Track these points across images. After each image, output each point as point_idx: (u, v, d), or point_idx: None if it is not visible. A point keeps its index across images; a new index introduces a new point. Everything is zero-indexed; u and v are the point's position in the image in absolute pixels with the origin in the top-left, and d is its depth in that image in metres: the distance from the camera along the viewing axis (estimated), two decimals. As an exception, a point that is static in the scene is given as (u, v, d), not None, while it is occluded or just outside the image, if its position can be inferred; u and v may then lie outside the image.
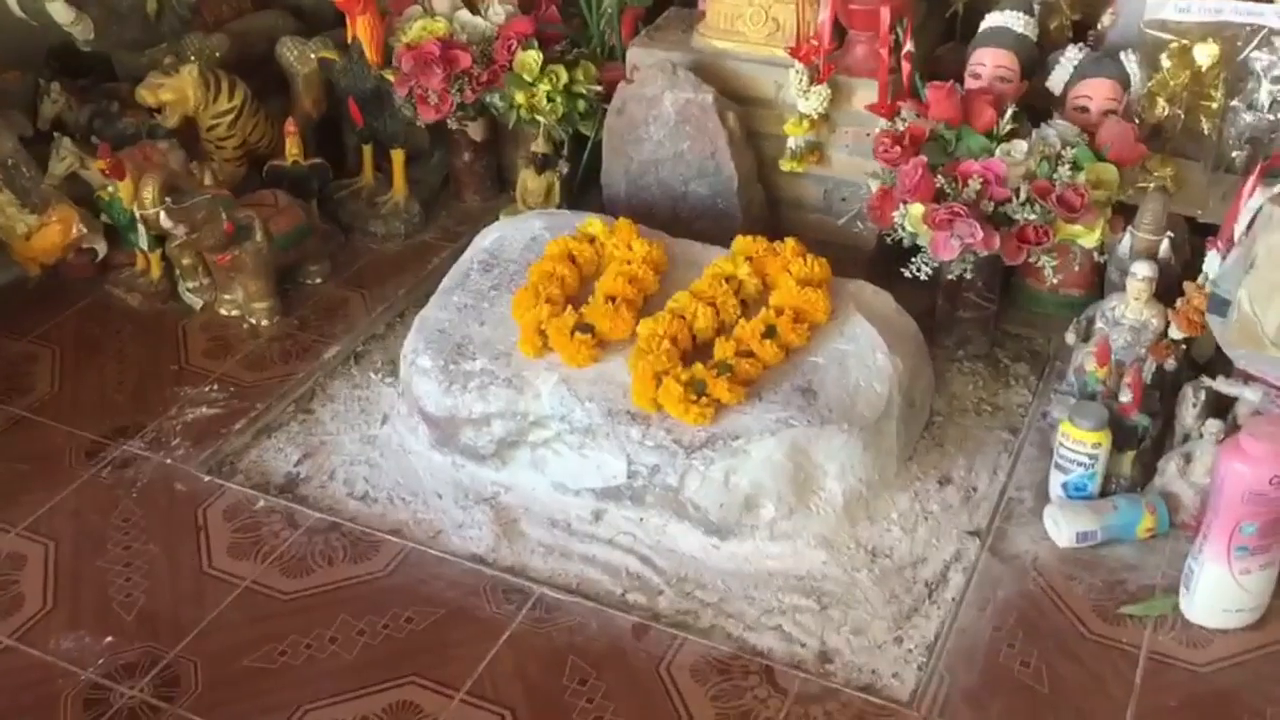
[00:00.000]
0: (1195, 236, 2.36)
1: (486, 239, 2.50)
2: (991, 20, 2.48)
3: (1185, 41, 2.32)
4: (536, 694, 1.84)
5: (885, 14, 2.42)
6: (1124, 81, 2.38)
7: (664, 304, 2.22)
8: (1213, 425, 2.04)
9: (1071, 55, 2.44)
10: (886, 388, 2.16)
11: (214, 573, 2.05)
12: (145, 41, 2.95)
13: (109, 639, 1.93)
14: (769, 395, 2.10)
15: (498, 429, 2.20)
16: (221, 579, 2.04)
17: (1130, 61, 2.37)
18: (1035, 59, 2.47)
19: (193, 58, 2.91)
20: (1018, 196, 2.19)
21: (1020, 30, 2.45)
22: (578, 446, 2.15)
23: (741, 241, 2.32)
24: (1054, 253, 2.24)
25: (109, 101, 2.90)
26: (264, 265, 2.61)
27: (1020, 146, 2.23)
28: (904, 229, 2.25)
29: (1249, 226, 2.02)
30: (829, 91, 2.51)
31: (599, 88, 2.73)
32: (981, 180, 2.18)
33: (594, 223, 2.39)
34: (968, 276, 2.28)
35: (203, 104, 2.81)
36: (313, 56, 2.96)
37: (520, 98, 2.69)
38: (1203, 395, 2.09)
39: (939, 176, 2.21)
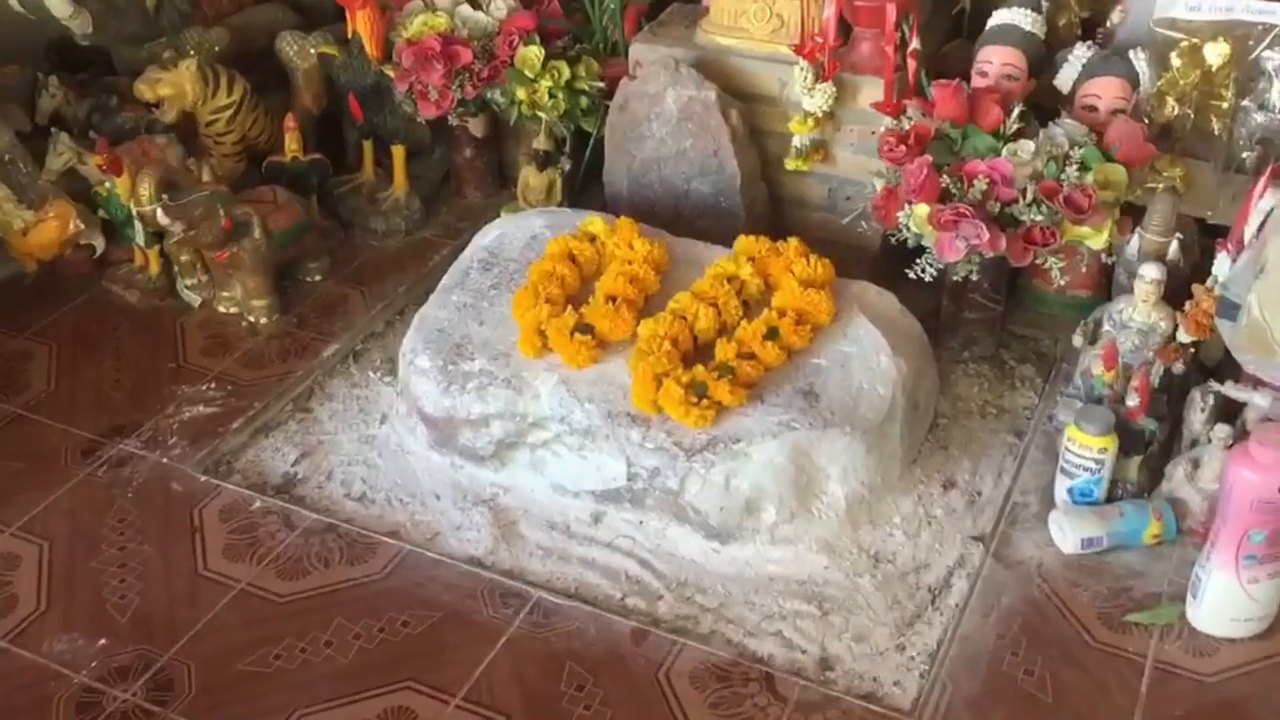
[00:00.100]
0: (1205, 238, 2.33)
1: (487, 237, 2.48)
2: (999, 17, 2.45)
3: (1196, 40, 2.29)
4: (534, 700, 1.82)
5: (891, 11, 2.39)
6: (1133, 80, 2.35)
7: (665, 304, 2.19)
8: (1221, 430, 2.01)
9: (1080, 53, 2.40)
10: (890, 390, 2.13)
11: (209, 574, 2.03)
12: (144, 35, 2.93)
13: (102, 641, 1.91)
14: (770, 397, 2.08)
15: (497, 430, 2.17)
16: (217, 581, 2.02)
17: (1139, 60, 2.34)
18: (1043, 57, 2.44)
19: (192, 52, 2.88)
20: (1024, 197, 2.16)
21: (1028, 28, 2.42)
22: (577, 448, 2.12)
23: (744, 241, 2.29)
24: (1061, 254, 2.21)
25: (107, 96, 2.87)
26: (262, 262, 2.58)
27: (1027, 146, 2.20)
28: (909, 229, 2.22)
29: (1260, 229, 1.99)
30: (834, 89, 2.48)
31: (601, 84, 2.70)
32: (987, 180, 2.15)
33: (595, 221, 2.37)
34: (973, 278, 2.25)
35: (201, 99, 2.78)
36: (313, 51, 2.93)
37: (522, 94, 2.66)
38: (1211, 400, 2.06)
39: (944, 176, 2.18)
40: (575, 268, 2.29)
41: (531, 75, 2.65)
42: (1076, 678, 1.83)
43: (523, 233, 2.43)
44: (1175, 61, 2.29)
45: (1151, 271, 2.15)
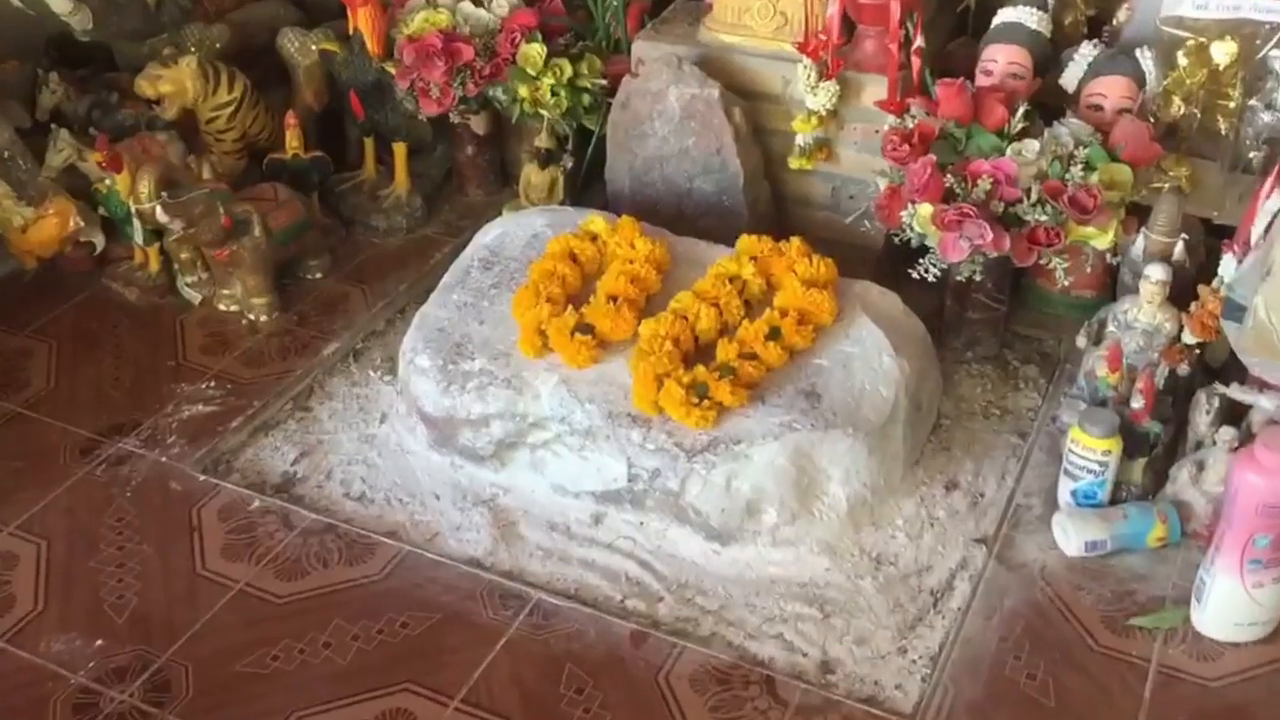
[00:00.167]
0: (1211, 238, 2.31)
1: (488, 235, 2.46)
2: (1004, 15, 2.43)
3: (1203, 39, 2.27)
4: (533, 702, 1.81)
5: (895, 8, 2.37)
6: (1139, 79, 2.33)
7: (667, 304, 2.18)
8: (1226, 433, 2.00)
9: (1086, 52, 2.39)
10: (892, 391, 2.12)
11: (207, 574, 2.02)
12: (145, 31, 2.92)
13: (100, 641, 1.90)
14: (772, 398, 2.06)
15: (497, 430, 2.16)
16: (215, 581, 2.01)
17: (1146, 59, 2.32)
18: (1049, 55, 2.42)
19: (193, 48, 2.87)
20: (1029, 197, 2.14)
21: (1034, 26, 2.40)
22: (578, 448, 2.11)
23: (746, 241, 2.28)
24: (1065, 255, 2.19)
25: (108, 92, 2.86)
26: (262, 260, 2.57)
27: (1032, 146, 2.19)
28: (912, 229, 2.20)
29: (1267, 230, 1.97)
30: (837, 87, 2.47)
31: (604, 81, 2.69)
32: (992, 180, 2.14)
33: (596, 220, 2.35)
34: (977, 278, 2.24)
35: (202, 96, 2.77)
36: (314, 48, 2.92)
37: (523, 91, 2.65)
38: (1216, 402, 2.04)
39: (948, 176, 2.16)
40: (576, 267, 2.27)
41: (534, 73, 2.63)
42: (1079, 682, 1.82)
43: (524, 231, 2.42)
44: (1182, 60, 2.27)
45: (1157, 272, 2.13)
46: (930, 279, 2.20)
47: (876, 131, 2.40)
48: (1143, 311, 2.16)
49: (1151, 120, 2.31)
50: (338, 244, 2.84)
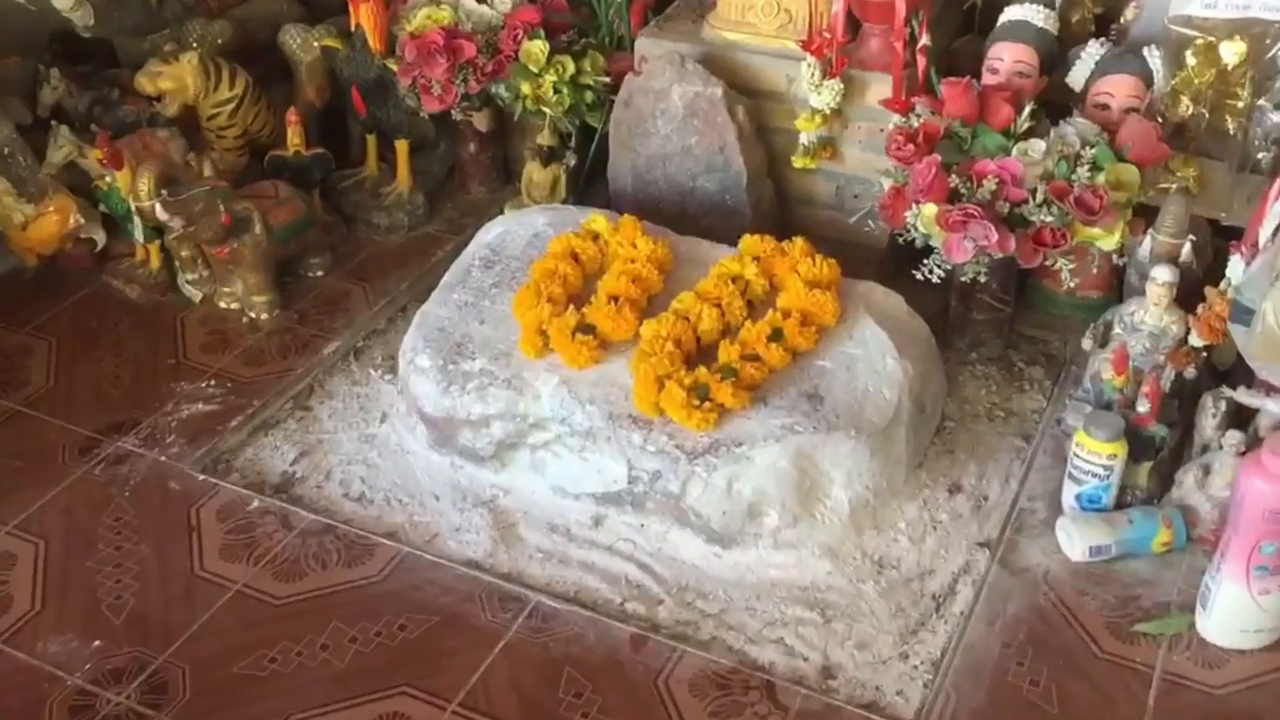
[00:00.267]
0: (1218, 239, 2.29)
1: (489, 234, 2.45)
2: (1010, 13, 2.41)
3: (1211, 38, 2.24)
4: (531, 707, 1.80)
5: (901, 6, 2.34)
6: (1147, 78, 2.31)
7: (668, 304, 2.16)
8: (1233, 437, 1.97)
9: (1093, 50, 2.36)
10: (896, 393, 2.10)
11: (205, 575, 2.01)
12: (147, 27, 2.91)
13: (97, 643, 1.89)
14: (774, 400, 2.05)
15: (497, 431, 2.15)
16: (213, 582, 2.00)
17: (1154, 58, 2.30)
18: (1055, 54, 2.40)
19: (195, 44, 2.86)
20: (1034, 198, 2.12)
21: (1040, 24, 2.38)
22: (578, 450, 2.10)
23: (749, 241, 2.26)
24: (1071, 256, 2.17)
25: (109, 89, 2.85)
26: (263, 258, 2.56)
27: (1038, 146, 2.17)
28: (916, 229, 2.18)
29: (1275, 232, 1.95)
30: (841, 86, 2.44)
31: (607, 79, 2.67)
32: (997, 180, 2.12)
33: (598, 219, 2.34)
34: (982, 279, 2.21)
35: (203, 93, 2.75)
36: (316, 44, 2.91)
37: (526, 89, 2.63)
38: (1223, 405, 2.02)
39: (953, 176, 2.14)
40: (578, 266, 2.26)
41: (536, 70, 2.62)
42: (1082, 689, 1.80)
43: (525, 230, 2.40)
44: (1190, 60, 2.24)
45: (1163, 274, 2.11)
46: (935, 280, 2.18)
47: (881, 130, 2.38)
48: (1149, 313, 2.14)
49: (1159, 120, 2.28)
50: (339, 241, 2.82)
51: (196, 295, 2.64)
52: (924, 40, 2.38)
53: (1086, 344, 2.21)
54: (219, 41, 2.93)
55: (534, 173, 2.78)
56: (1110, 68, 2.34)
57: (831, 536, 2.04)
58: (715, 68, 2.54)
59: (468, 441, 2.18)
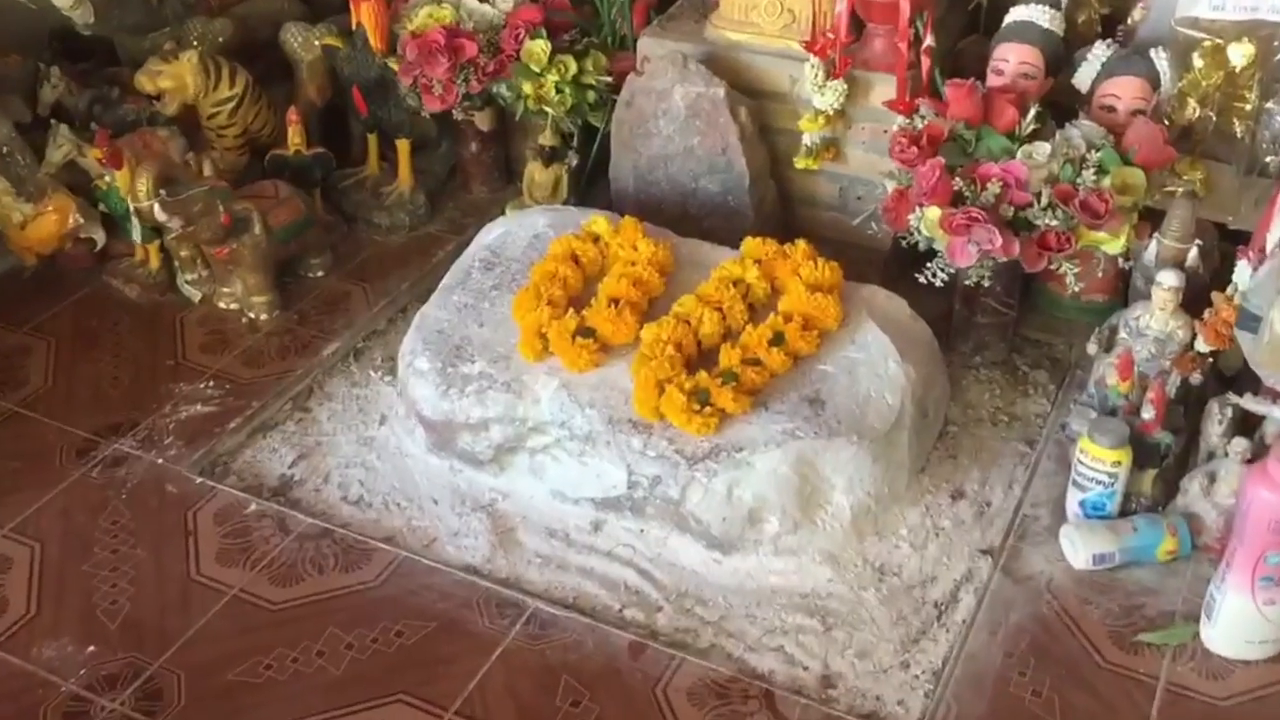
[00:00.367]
0: (1225, 243, 2.27)
1: (489, 235, 2.43)
2: (1016, 14, 2.38)
3: (1219, 40, 2.21)
4: (528, 715, 1.78)
5: (905, 6, 2.32)
6: (1153, 80, 2.28)
7: (669, 306, 2.15)
8: (1239, 444, 1.95)
9: (1099, 52, 2.34)
10: (898, 398, 2.08)
11: (202, 580, 2.00)
12: (147, 25, 2.89)
13: (92, 648, 1.88)
14: (775, 405, 2.03)
15: (496, 434, 2.13)
16: (209, 586, 1.98)
17: (1161, 59, 2.27)
18: (1061, 55, 2.38)
19: (195, 43, 2.85)
20: (1039, 201, 2.10)
21: (1046, 25, 2.35)
22: (577, 454, 2.08)
23: (751, 244, 2.24)
24: (1076, 260, 2.15)
25: (110, 87, 2.84)
26: (263, 259, 2.54)
27: (1043, 149, 2.14)
28: (920, 233, 2.16)
29: (1283, 238, 1.93)
30: (845, 86, 2.43)
31: (609, 79, 2.64)
32: (1001, 184, 2.09)
33: (599, 221, 2.32)
34: (985, 283, 2.19)
35: (202, 92, 2.74)
36: (317, 43, 2.89)
37: (528, 88, 2.61)
38: (1229, 412, 2.00)
39: (957, 179, 2.12)
40: (578, 269, 2.24)
41: (538, 70, 2.60)
42: (1085, 700, 1.78)
43: (525, 232, 2.39)
44: (1198, 62, 2.22)
45: (1169, 279, 2.09)
46: (938, 284, 2.16)
47: (885, 131, 2.36)
48: (1155, 318, 2.12)
49: (1166, 122, 2.26)
50: (339, 241, 2.81)
51: (196, 295, 2.63)
52: (928, 41, 2.36)
53: (1091, 349, 2.18)
54: (219, 40, 2.91)
55: (536, 173, 2.76)
56: (1117, 69, 2.31)
57: (832, 543, 2.02)
58: (718, 68, 2.52)
59: (467, 445, 2.16)
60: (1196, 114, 2.28)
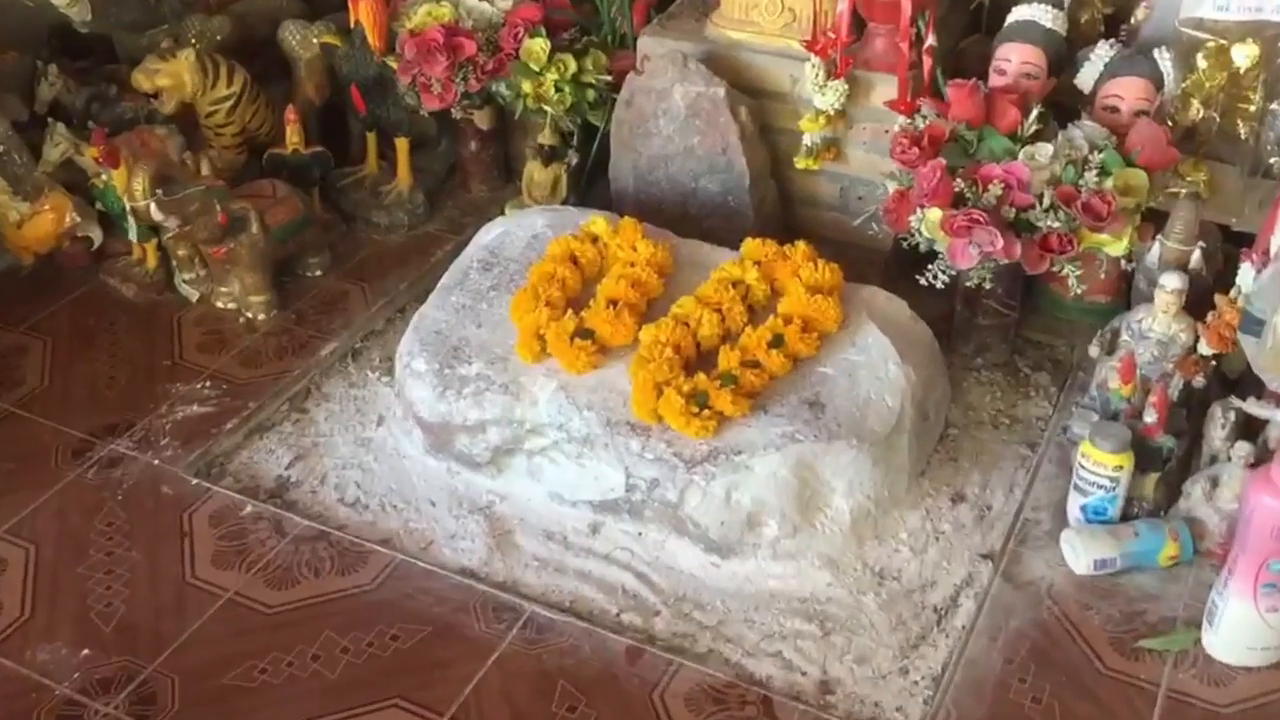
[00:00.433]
0: (1229, 245, 2.25)
1: (488, 235, 2.42)
2: (1018, 13, 2.36)
3: (1223, 41, 2.19)
4: (524, 720, 1.77)
5: (906, 6, 2.31)
6: (1157, 81, 2.26)
7: (669, 308, 2.13)
8: (1242, 448, 1.94)
9: (1102, 52, 2.32)
10: (898, 400, 2.06)
11: (197, 583, 1.98)
12: (145, 23, 2.89)
13: (86, 651, 1.87)
14: (774, 408, 2.01)
15: (493, 436, 2.12)
16: (204, 589, 1.97)
17: (1164, 60, 2.25)
18: (1064, 55, 2.36)
19: (193, 40, 2.84)
20: (1041, 203, 2.08)
21: (1049, 25, 2.33)
22: (575, 456, 2.07)
23: (750, 245, 2.23)
24: (1078, 262, 2.13)
25: (107, 85, 2.82)
26: (260, 258, 2.53)
27: (1045, 150, 2.13)
28: (920, 234, 2.15)
29: (1287, 240, 1.91)
30: (846, 86, 2.41)
31: (609, 77, 2.63)
32: (1003, 185, 2.08)
33: (598, 221, 2.30)
34: (986, 285, 2.18)
35: (200, 90, 2.72)
36: (315, 41, 2.88)
37: (527, 87, 2.60)
38: (1232, 416, 1.98)
39: (958, 180, 2.10)
40: (576, 270, 2.22)
41: (537, 68, 2.58)
42: (1086, 708, 1.77)
43: (524, 232, 2.37)
44: (1201, 63, 2.20)
45: (1172, 281, 2.07)
46: (939, 286, 2.14)
47: (886, 131, 2.34)
48: (1157, 321, 2.10)
49: (1169, 123, 2.24)
50: (338, 240, 2.79)
51: (194, 295, 2.62)
52: (930, 41, 2.34)
53: (1093, 351, 2.17)
54: (218, 37, 2.90)
55: (535, 172, 2.75)
56: (1120, 70, 2.30)
57: (832, 547, 2.01)
58: (718, 67, 2.51)
59: (464, 447, 2.15)
60: (1200, 115, 2.26)
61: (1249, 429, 1.99)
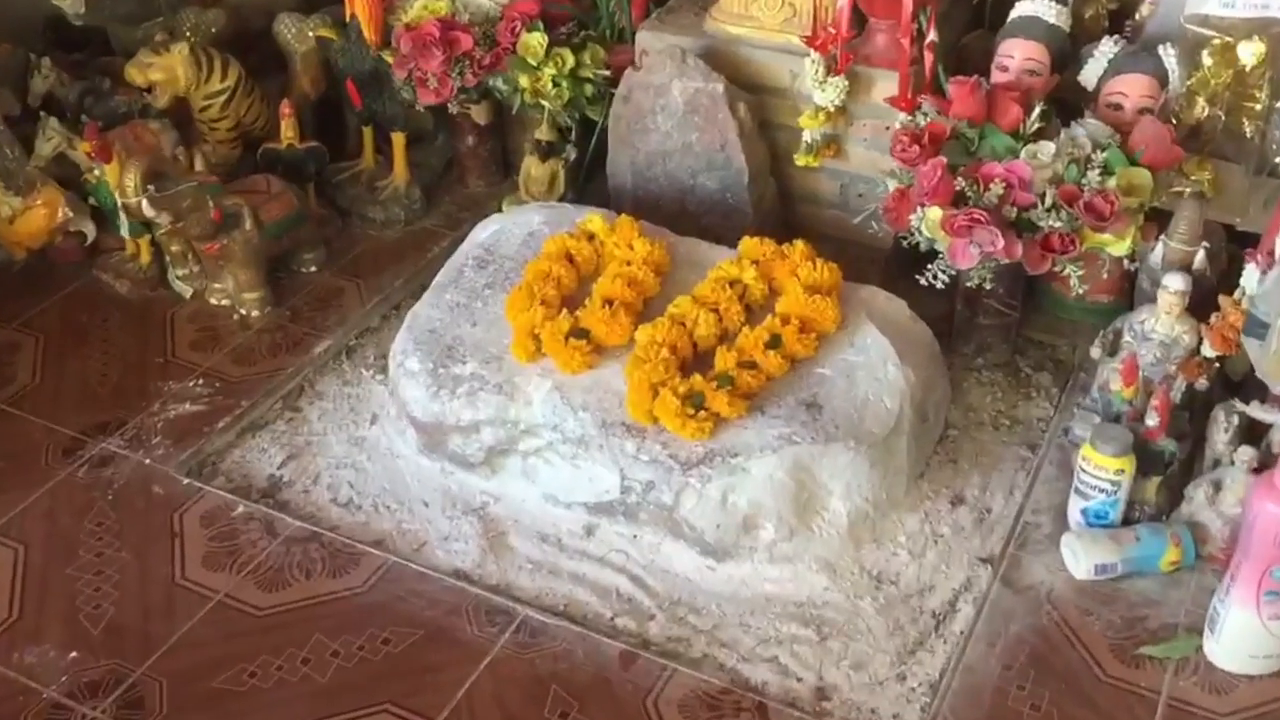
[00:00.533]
0: (1233, 245, 2.22)
1: (484, 232, 2.39)
2: (1021, 9, 2.33)
3: (1229, 38, 2.16)
4: (515, 726, 1.75)
5: (908, 1, 2.27)
6: (1161, 78, 2.23)
7: (665, 307, 2.11)
8: (1245, 453, 1.91)
9: (1106, 48, 2.28)
10: (897, 402, 2.04)
11: (187, 584, 1.96)
12: (140, 15, 2.86)
13: (74, 654, 1.85)
14: (771, 409, 1.99)
15: (487, 436, 2.10)
16: (194, 591, 1.95)
17: (1169, 57, 2.22)
18: (1067, 51, 2.32)
19: (188, 33, 2.81)
20: (1043, 202, 2.05)
21: (1052, 20, 2.30)
22: (570, 457, 2.04)
23: (748, 243, 2.20)
24: (1081, 262, 2.10)
25: (101, 78, 2.79)
26: (254, 254, 2.50)
27: (1047, 148, 2.09)
28: (920, 233, 2.12)
29: (1292, 241, 1.88)
30: (846, 83, 2.38)
31: (607, 72, 2.60)
32: (1004, 184, 2.05)
33: (594, 219, 2.27)
34: (987, 286, 2.15)
35: (194, 84, 2.69)
36: (311, 35, 2.84)
37: (524, 82, 2.56)
38: (1235, 419, 1.95)
39: (959, 179, 2.07)
40: (572, 268, 2.20)
41: (534, 63, 2.55)
42: (1085, 715, 1.75)
43: (520, 229, 2.35)
44: (1207, 60, 2.16)
45: (1175, 282, 2.04)
46: (939, 286, 2.11)
47: (887, 128, 2.31)
48: (1160, 322, 2.08)
49: (1174, 121, 2.21)
50: (333, 236, 2.77)
51: (187, 291, 2.60)
52: (931, 36, 2.31)
53: (1095, 352, 2.14)
54: (212, 30, 2.87)
55: (532, 168, 2.72)
56: (1124, 66, 2.26)
57: (829, 550, 1.98)
58: (717, 62, 2.48)
59: (458, 447, 2.13)
60: (1205, 113, 2.22)
61: (1252, 433, 1.97)
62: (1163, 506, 2.01)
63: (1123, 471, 1.93)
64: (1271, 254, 1.95)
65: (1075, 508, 1.99)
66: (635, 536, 2.03)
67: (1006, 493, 2.11)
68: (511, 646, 1.85)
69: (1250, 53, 2.14)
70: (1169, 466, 2.01)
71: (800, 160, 2.48)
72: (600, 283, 2.15)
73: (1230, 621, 1.75)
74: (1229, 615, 1.75)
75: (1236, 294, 2.00)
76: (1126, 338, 2.12)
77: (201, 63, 2.70)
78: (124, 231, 2.55)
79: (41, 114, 2.64)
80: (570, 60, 2.56)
